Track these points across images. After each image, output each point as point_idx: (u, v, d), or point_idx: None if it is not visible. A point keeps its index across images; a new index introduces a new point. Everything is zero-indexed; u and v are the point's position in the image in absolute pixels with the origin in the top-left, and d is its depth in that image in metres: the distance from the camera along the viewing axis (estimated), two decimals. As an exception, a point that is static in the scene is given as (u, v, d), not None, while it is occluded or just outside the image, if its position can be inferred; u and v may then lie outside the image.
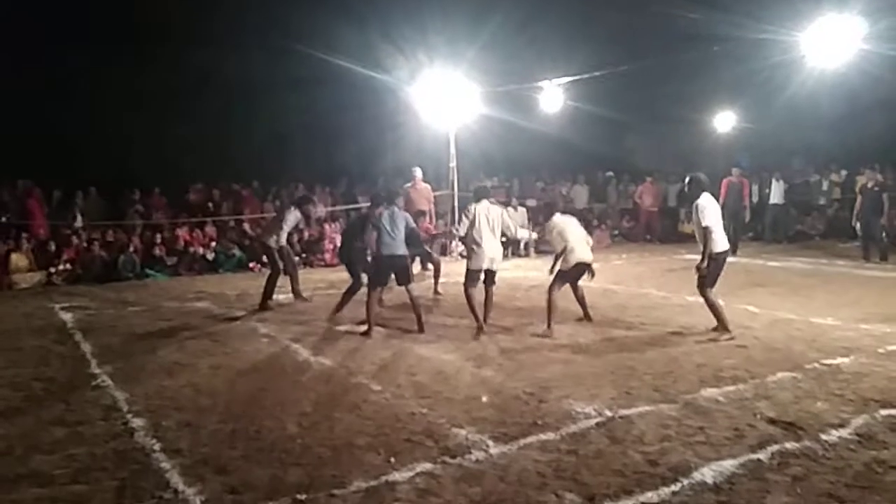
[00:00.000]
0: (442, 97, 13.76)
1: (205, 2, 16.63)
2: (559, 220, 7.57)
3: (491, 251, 7.36)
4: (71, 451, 4.26)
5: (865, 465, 3.80)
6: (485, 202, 7.53)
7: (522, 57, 16.29)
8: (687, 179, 7.25)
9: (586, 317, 7.85)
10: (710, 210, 6.85)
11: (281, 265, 9.42)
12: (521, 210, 16.26)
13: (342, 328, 7.75)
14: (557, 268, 7.51)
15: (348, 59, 14.70)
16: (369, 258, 8.08)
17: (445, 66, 13.79)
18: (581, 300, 7.84)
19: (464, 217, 7.49)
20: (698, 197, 6.93)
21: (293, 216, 9.45)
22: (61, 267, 12.45)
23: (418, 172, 12.00)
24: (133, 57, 16.30)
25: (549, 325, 7.24)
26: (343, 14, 16.22)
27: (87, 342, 7.41)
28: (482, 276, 7.46)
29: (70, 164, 15.49)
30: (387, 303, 8.76)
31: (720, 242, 6.88)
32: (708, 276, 6.87)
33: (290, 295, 9.73)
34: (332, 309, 8.09)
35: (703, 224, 6.77)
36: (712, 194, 7.14)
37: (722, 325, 6.89)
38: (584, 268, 7.48)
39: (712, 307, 6.94)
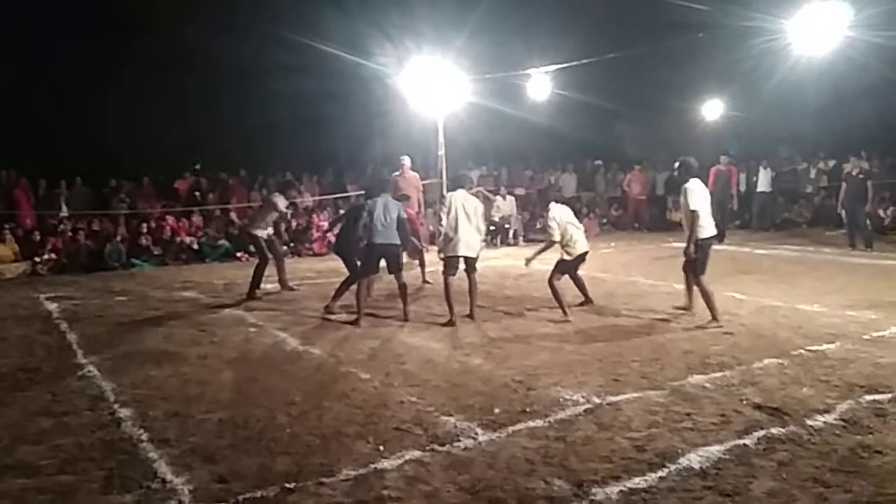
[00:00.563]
0: (430, 85, 13.69)
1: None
2: (558, 209, 7.60)
3: (466, 238, 7.37)
4: (57, 442, 4.23)
5: (850, 450, 3.84)
6: (461, 191, 7.60)
7: (510, 44, 16.26)
8: (677, 164, 7.31)
9: (587, 300, 7.97)
10: (697, 194, 6.89)
11: (269, 255, 9.41)
12: (510, 199, 16.27)
13: (332, 317, 7.74)
14: (558, 258, 7.54)
15: (335, 46, 14.62)
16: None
17: (433, 54, 13.71)
18: (580, 284, 7.94)
19: (444, 207, 7.59)
20: (687, 181, 6.98)
21: (281, 201, 9.44)
22: (46, 257, 12.35)
23: (406, 161, 11.96)
24: (118, 43, 16.12)
25: (564, 312, 7.33)
26: (330, 0, 16.12)
27: (73, 332, 7.36)
28: (460, 264, 7.45)
29: (55, 154, 15.35)
30: (375, 292, 8.74)
31: (707, 228, 6.92)
32: (697, 262, 6.92)
33: (277, 284, 9.71)
34: (328, 300, 8.02)
35: (691, 207, 6.81)
36: (701, 180, 7.17)
37: (712, 314, 6.92)
38: (584, 257, 7.63)
39: (704, 294, 6.97)
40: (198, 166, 16.03)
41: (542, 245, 7.68)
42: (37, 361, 6.19)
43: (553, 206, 7.63)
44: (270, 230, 9.56)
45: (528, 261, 7.78)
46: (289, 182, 10.65)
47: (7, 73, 14.67)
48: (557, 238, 7.42)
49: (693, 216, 6.80)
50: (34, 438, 4.31)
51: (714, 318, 6.89)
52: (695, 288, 7.19)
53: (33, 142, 15.54)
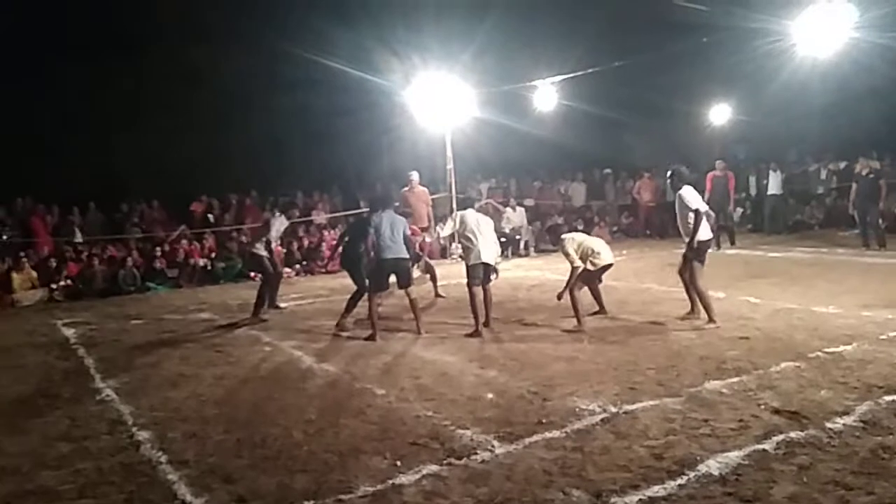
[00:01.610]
0: (437, 100, 13.77)
1: (198, 4, 16.55)
2: (570, 238, 7.69)
3: (485, 247, 7.51)
4: (77, 466, 4.27)
5: (871, 452, 3.80)
6: (470, 210, 7.79)
7: (516, 58, 16.33)
8: (669, 173, 7.71)
9: (601, 310, 8.00)
10: (694, 197, 7.18)
11: (272, 272, 9.43)
12: (520, 210, 16.29)
13: (344, 334, 7.76)
14: (581, 271, 7.45)
15: (342, 62, 14.74)
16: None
17: (440, 69, 13.80)
18: (597, 293, 8.01)
19: (449, 219, 7.83)
20: (680, 189, 7.27)
21: (279, 222, 9.50)
22: (62, 283, 12.44)
23: (415, 176, 11.99)
24: (124, 66, 16.24)
25: (578, 322, 7.34)
26: (336, 16, 16.24)
27: (91, 357, 7.42)
28: (482, 272, 7.52)
29: (67, 180, 15.49)
30: (387, 307, 8.75)
31: (704, 231, 7.15)
32: (695, 263, 7.14)
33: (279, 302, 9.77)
34: (338, 318, 8.05)
35: (693, 207, 7.05)
36: (695, 187, 7.48)
37: (708, 315, 7.07)
38: (607, 268, 7.69)
39: (700, 295, 7.16)
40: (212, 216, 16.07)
41: (570, 276, 7.50)
42: (55, 387, 6.25)
43: (564, 237, 7.71)
44: (272, 248, 9.58)
45: (560, 295, 7.51)
46: (290, 202, 10.78)
47: (15, 100, 14.84)
48: (579, 264, 7.43)
49: (697, 215, 7.02)
50: (54, 463, 4.35)
51: (710, 319, 7.01)
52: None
53: (45, 169, 15.69)
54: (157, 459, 4.30)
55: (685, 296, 7.49)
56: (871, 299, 7.94)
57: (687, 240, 7.17)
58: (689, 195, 7.17)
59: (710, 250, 7.49)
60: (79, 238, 14.08)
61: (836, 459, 3.74)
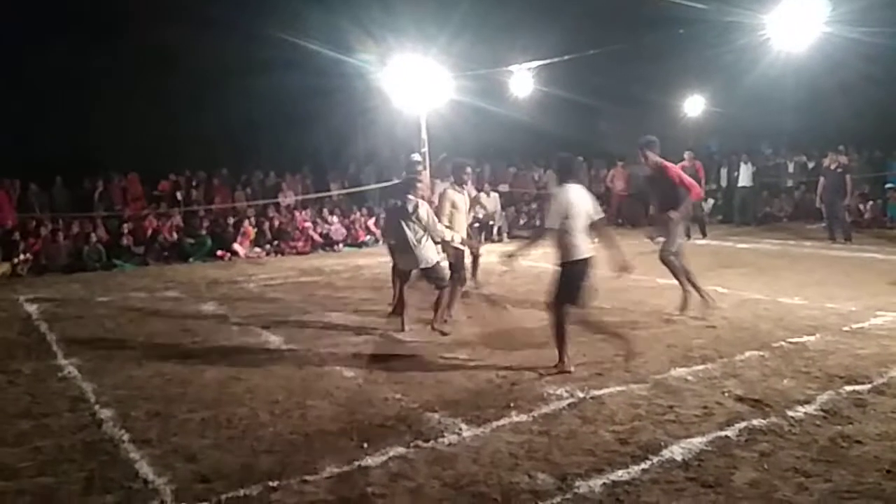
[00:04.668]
0: (412, 82, 13.66)
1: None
2: (451, 191, 7.01)
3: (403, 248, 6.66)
4: (37, 444, 4.19)
5: (830, 440, 3.88)
6: (444, 186, 6.91)
7: (492, 42, 16.26)
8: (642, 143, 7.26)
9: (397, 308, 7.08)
10: (558, 203, 5.65)
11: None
12: (494, 195, 16.25)
13: (309, 317, 7.67)
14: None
15: (317, 43, 14.54)
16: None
17: (416, 51, 13.69)
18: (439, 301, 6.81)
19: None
20: (563, 182, 5.82)
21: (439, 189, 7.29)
22: (24, 257, 12.14)
23: (416, 157, 11.63)
24: (98, 42, 15.90)
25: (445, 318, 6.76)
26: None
27: (53, 333, 7.26)
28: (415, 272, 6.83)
29: (36, 155, 15.13)
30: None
31: (580, 248, 5.92)
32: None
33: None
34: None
35: (546, 224, 5.58)
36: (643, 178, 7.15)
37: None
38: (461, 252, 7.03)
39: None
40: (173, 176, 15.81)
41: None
42: (16, 363, 6.11)
43: (449, 190, 7.04)
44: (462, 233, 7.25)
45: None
46: (461, 164, 7.46)
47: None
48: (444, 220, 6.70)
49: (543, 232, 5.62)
50: (13, 441, 4.26)
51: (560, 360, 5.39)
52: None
53: (13, 142, 15.31)
54: (120, 438, 4.24)
55: (655, 284, 7.51)
56: (836, 291, 8.08)
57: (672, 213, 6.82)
58: (556, 197, 5.52)
59: (679, 240, 7.27)
60: (46, 213, 13.77)
61: (797, 447, 3.80)
